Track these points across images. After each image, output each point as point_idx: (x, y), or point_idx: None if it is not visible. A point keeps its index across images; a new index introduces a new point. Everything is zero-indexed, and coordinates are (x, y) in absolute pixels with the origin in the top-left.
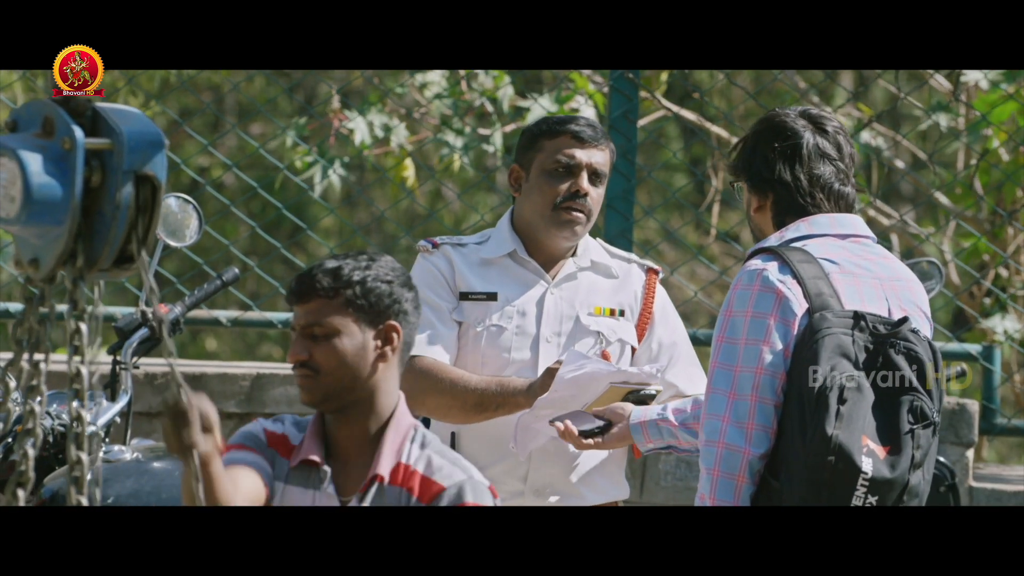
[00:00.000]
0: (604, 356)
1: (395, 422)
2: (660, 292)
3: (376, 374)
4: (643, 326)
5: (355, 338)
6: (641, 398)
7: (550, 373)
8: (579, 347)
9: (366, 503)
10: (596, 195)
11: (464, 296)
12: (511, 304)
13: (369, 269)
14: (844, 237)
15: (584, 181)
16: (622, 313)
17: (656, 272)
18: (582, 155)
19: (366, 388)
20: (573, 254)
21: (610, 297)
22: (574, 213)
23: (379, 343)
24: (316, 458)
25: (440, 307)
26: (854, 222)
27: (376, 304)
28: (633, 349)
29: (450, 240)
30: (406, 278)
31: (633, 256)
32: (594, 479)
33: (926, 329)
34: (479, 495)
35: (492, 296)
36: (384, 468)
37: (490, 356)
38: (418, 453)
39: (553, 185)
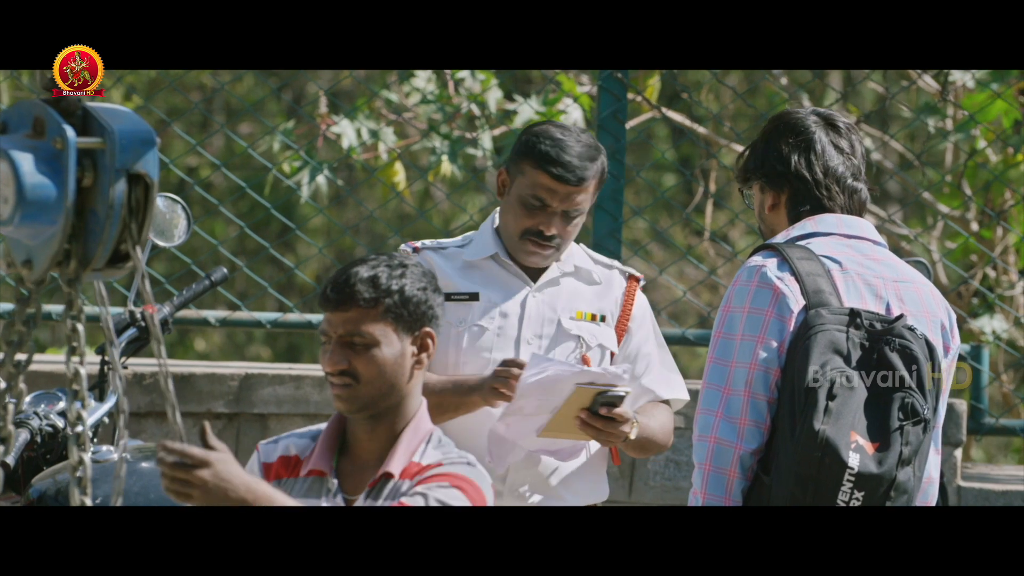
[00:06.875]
0: (584, 360)
1: (414, 424)
2: (640, 299)
3: (412, 380)
4: (620, 332)
5: (394, 347)
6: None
7: (506, 364)
8: (560, 351)
9: (371, 501)
10: (570, 228)
11: (447, 297)
12: (493, 305)
13: (405, 277)
14: (850, 237)
15: (553, 226)
16: (603, 319)
17: (637, 280)
18: (557, 201)
19: (400, 394)
20: (556, 259)
21: (592, 302)
22: (539, 247)
23: (415, 350)
24: (323, 469)
25: None
26: (862, 225)
27: (414, 312)
28: (612, 354)
29: (431, 244)
30: (436, 283)
31: (615, 263)
32: (573, 482)
33: (931, 331)
34: (477, 476)
35: (474, 296)
36: (395, 467)
37: (470, 356)
38: (432, 453)
39: (524, 216)
